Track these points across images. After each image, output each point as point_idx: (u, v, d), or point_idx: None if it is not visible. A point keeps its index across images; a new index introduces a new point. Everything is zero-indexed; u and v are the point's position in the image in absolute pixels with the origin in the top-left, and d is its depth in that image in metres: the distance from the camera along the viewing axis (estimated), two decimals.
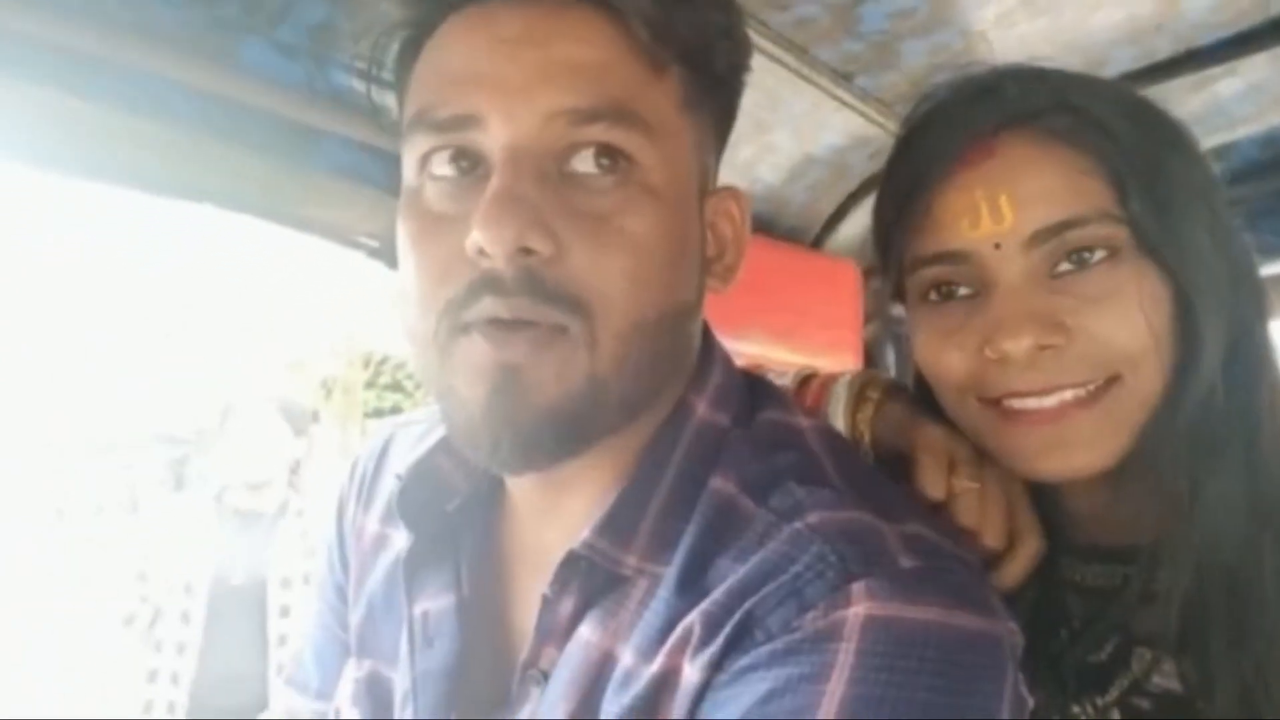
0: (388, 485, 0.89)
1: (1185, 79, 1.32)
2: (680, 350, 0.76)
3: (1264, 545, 0.77)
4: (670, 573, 0.68)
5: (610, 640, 0.69)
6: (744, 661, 0.61)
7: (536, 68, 0.66)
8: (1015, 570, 0.84)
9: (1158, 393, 0.80)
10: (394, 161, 1.12)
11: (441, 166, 0.69)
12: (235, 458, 3.09)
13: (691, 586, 0.67)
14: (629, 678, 0.66)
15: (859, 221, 1.75)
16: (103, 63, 0.88)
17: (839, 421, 0.96)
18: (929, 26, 1.24)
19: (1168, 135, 0.84)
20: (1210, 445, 0.79)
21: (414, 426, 0.96)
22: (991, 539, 0.84)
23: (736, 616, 0.62)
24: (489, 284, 0.64)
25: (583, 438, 0.69)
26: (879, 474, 0.77)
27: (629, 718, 0.64)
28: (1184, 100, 1.37)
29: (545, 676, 0.71)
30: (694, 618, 0.64)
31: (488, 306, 0.65)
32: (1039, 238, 0.79)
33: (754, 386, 0.82)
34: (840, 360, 1.72)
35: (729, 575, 0.65)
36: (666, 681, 0.64)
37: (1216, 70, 1.31)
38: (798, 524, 0.65)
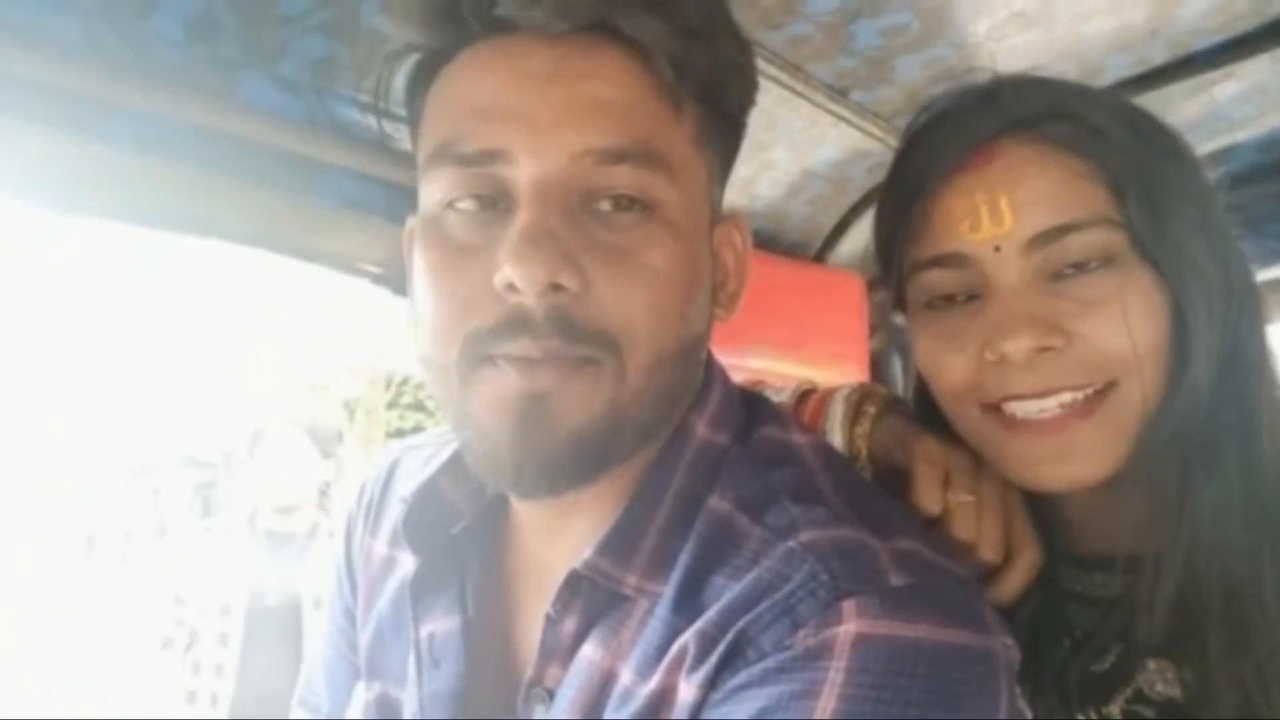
0: (395, 508, 0.90)
1: (1182, 84, 1.32)
2: (692, 378, 0.77)
3: (1263, 552, 0.77)
4: (668, 592, 0.69)
5: (612, 659, 0.70)
6: (737, 680, 0.61)
7: (565, 106, 0.67)
8: (1013, 583, 0.85)
9: (1155, 400, 0.80)
10: (395, 191, 1.15)
11: (465, 200, 0.69)
12: (265, 481, 3.13)
13: (688, 605, 0.67)
14: (627, 696, 0.67)
15: (861, 235, 1.76)
16: (104, 103, 0.90)
17: (836, 436, 0.96)
18: (922, 41, 1.25)
19: (1164, 143, 0.85)
20: (1205, 451, 0.79)
21: (421, 450, 0.97)
22: (989, 552, 0.84)
23: (730, 635, 0.62)
24: (522, 325, 0.65)
25: (602, 464, 0.70)
26: (875, 490, 0.78)
27: None
28: (1182, 105, 1.37)
29: (550, 695, 0.72)
30: (689, 637, 0.65)
31: (520, 348, 0.65)
32: (1039, 241, 0.79)
33: (752, 404, 0.83)
34: (846, 373, 1.73)
35: (724, 593, 0.65)
36: (663, 700, 0.65)
37: (1214, 74, 1.31)
38: (791, 542, 0.65)
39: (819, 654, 0.59)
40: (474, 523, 0.86)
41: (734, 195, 1.57)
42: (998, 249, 0.80)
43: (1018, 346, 0.78)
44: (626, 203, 0.68)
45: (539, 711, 0.73)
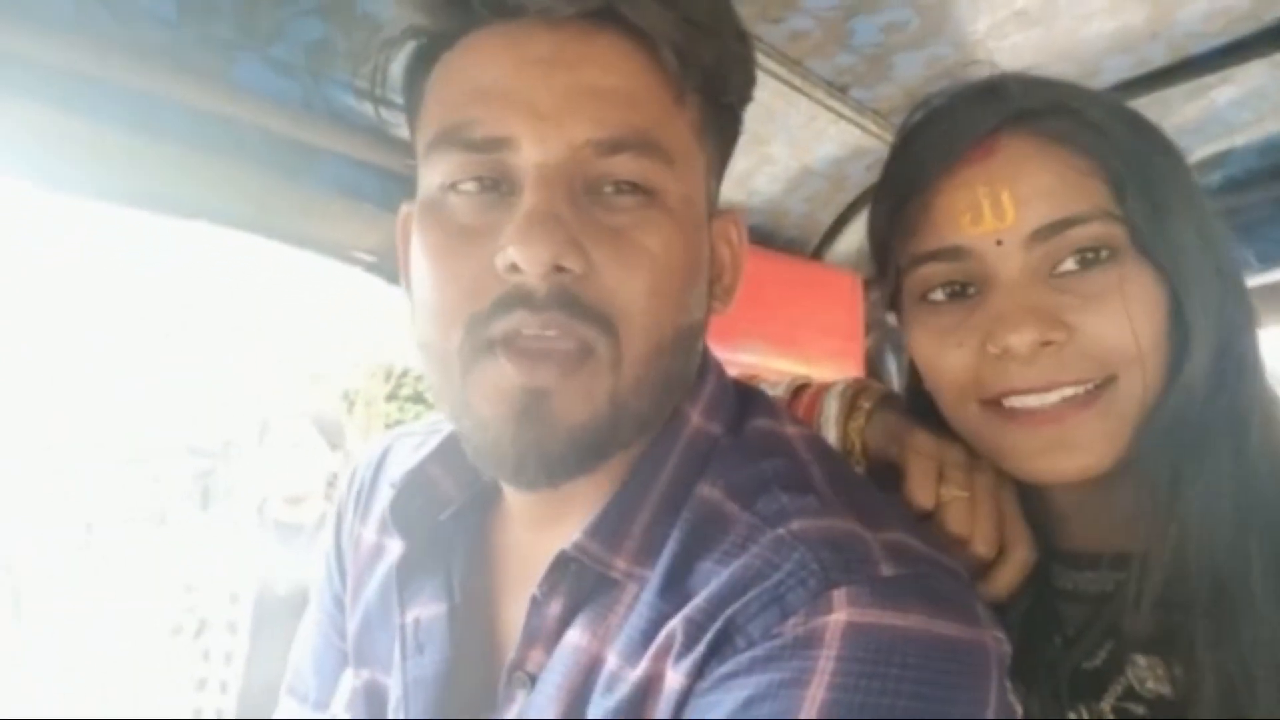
0: (384, 495, 0.90)
1: (1180, 87, 1.32)
2: (688, 369, 0.77)
3: (1251, 548, 0.77)
4: (654, 576, 0.69)
5: (599, 645, 0.70)
6: (725, 668, 0.61)
7: (566, 92, 0.67)
8: (1006, 579, 0.85)
9: (1153, 394, 0.80)
10: (390, 178, 1.15)
11: (467, 183, 0.70)
12: (275, 472, 3.17)
13: (674, 590, 0.67)
14: (614, 681, 0.67)
15: (858, 232, 1.76)
16: (98, 81, 0.90)
17: (831, 431, 0.96)
18: (922, 39, 1.24)
19: (1159, 141, 0.85)
20: (1196, 447, 0.79)
21: (411, 437, 0.97)
22: (981, 547, 0.84)
23: (718, 623, 0.62)
24: (521, 298, 0.65)
25: (601, 455, 0.71)
26: (866, 482, 0.78)
27: None
28: (1180, 108, 1.37)
29: (531, 679, 0.72)
30: (676, 623, 0.64)
31: (517, 320, 0.65)
32: (1040, 235, 0.79)
33: (745, 396, 0.83)
34: (842, 370, 1.73)
35: (711, 579, 0.65)
36: (650, 686, 0.65)
37: (1212, 78, 1.31)
38: (780, 530, 0.65)
39: (808, 643, 0.59)
40: (462, 509, 0.86)
41: (732, 190, 1.59)
42: (999, 243, 0.80)
43: (1021, 339, 0.78)
44: (628, 187, 0.69)
45: (520, 696, 0.72)
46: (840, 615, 0.59)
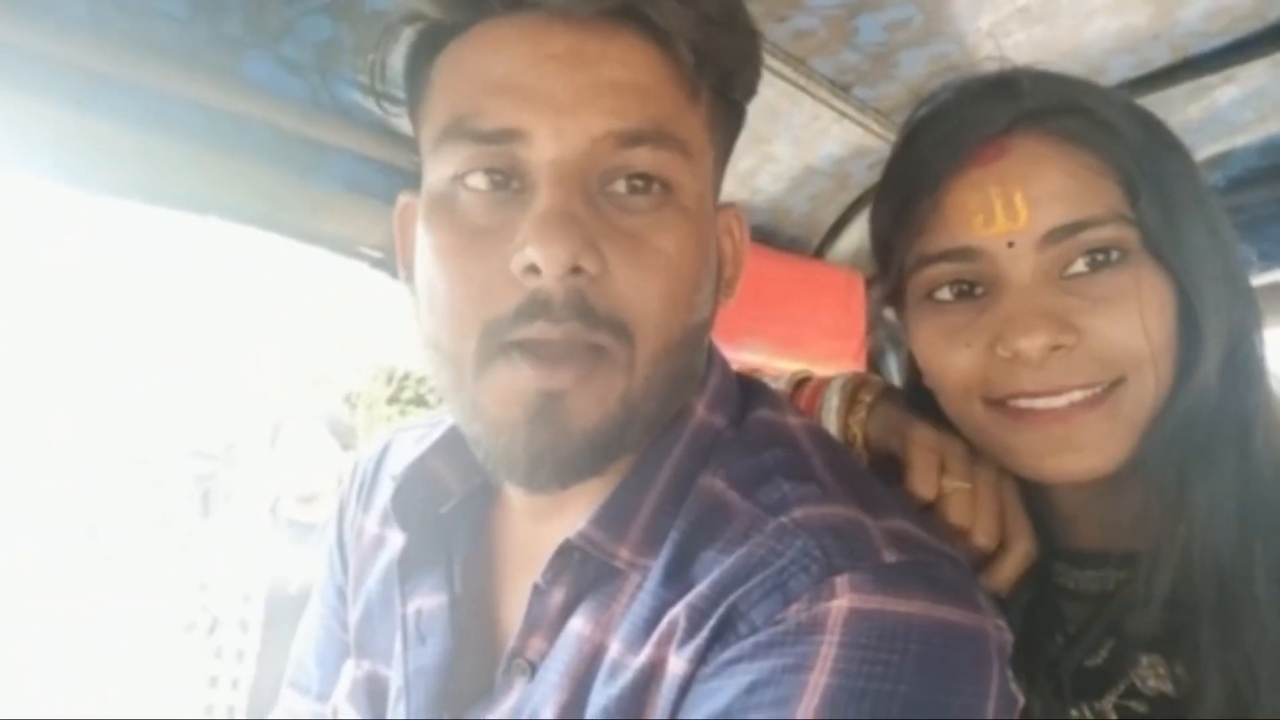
0: (386, 488, 0.90)
1: (1183, 87, 1.32)
2: (696, 365, 0.77)
3: (1255, 549, 0.77)
4: (657, 565, 0.70)
5: (601, 633, 0.70)
6: (728, 654, 0.61)
7: (585, 87, 0.67)
8: (1007, 571, 0.85)
9: (1161, 395, 0.80)
10: (396, 174, 1.16)
11: (477, 178, 0.69)
12: (287, 471, 3.20)
13: (678, 579, 0.68)
14: (616, 668, 0.67)
15: (860, 232, 1.76)
16: (107, 77, 0.91)
17: (832, 424, 0.97)
18: (925, 37, 1.25)
19: (1170, 140, 0.85)
20: (1203, 448, 0.79)
21: (413, 431, 0.98)
22: (982, 538, 0.84)
23: (721, 609, 0.62)
24: (541, 308, 0.65)
25: (610, 457, 0.71)
26: (868, 472, 0.78)
27: (616, 708, 0.65)
28: (1182, 108, 1.37)
29: (531, 667, 0.72)
30: (679, 610, 0.65)
31: (538, 331, 0.65)
32: (1053, 237, 0.79)
33: (748, 388, 0.83)
34: (843, 369, 1.73)
35: (714, 568, 0.65)
36: (653, 673, 0.65)
37: (1214, 78, 1.31)
38: (783, 518, 0.65)
39: (811, 628, 0.59)
40: (463, 501, 0.86)
41: (735, 188, 1.59)
42: (1011, 244, 0.80)
43: (1033, 344, 0.78)
44: (643, 183, 0.68)
45: (519, 684, 0.73)
46: (843, 601, 0.60)
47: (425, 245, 0.72)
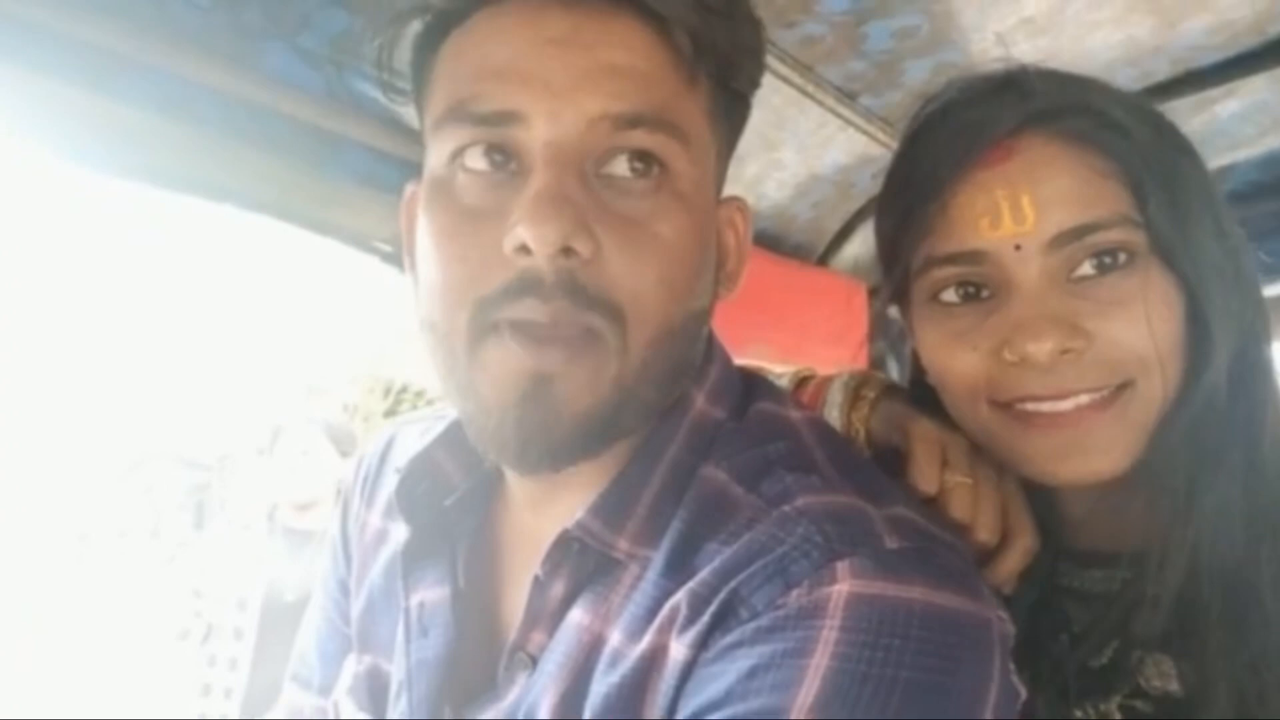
0: (390, 482, 0.90)
1: (1184, 100, 1.34)
2: (694, 354, 0.77)
3: (1262, 552, 0.77)
4: (659, 556, 0.69)
5: (601, 624, 0.70)
6: (729, 639, 0.61)
7: (582, 70, 0.67)
8: (1008, 566, 0.85)
9: (1168, 398, 0.80)
10: (409, 168, 1.17)
11: (475, 160, 0.69)
12: (285, 478, 3.18)
13: (679, 568, 0.67)
14: (617, 658, 0.67)
15: (864, 240, 1.77)
16: (128, 62, 0.92)
17: (835, 420, 0.97)
18: (931, 46, 1.26)
19: (1179, 142, 0.85)
20: (1211, 452, 0.79)
21: (416, 424, 0.98)
22: (984, 533, 0.84)
23: (722, 595, 0.62)
24: (530, 286, 0.65)
25: (604, 441, 0.70)
26: (870, 463, 0.78)
27: (618, 696, 0.65)
28: (1184, 122, 1.36)
29: (533, 660, 0.72)
30: (680, 596, 0.65)
31: (526, 308, 0.65)
32: (1060, 240, 0.78)
33: (750, 381, 0.83)
34: None
35: (716, 557, 0.65)
36: (654, 660, 0.65)
37: (1215, 92, 1.33)
38: (785, 508, 0.65)
39: (812, 613, 0.59)
40: (466, 494, 0.86)
41: (741, 194, 1.58)
42: (1018, 247, 0.79)
43: (1041, 348, 0.77)
44: (641, 165, 0.69)
45: (521, 678, 0.72)
46: (844, 586, 0.59)
47: (423, 227, 0.72)
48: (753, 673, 0.59)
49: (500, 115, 0.67)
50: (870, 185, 1.67)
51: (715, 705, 0.59)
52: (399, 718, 0.80)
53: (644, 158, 0.69)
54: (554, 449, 0.68)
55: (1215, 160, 1.47)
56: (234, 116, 1.01)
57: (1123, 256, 0.79)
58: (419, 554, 0.84)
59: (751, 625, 0.61)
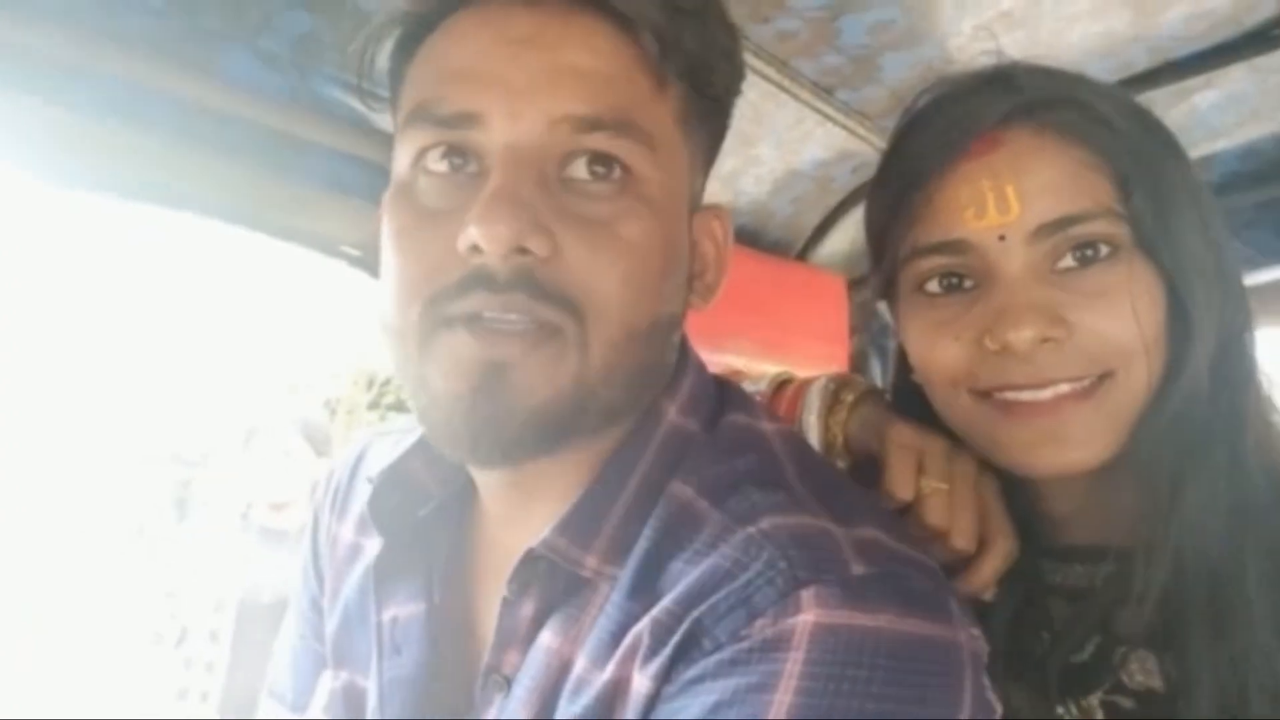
0: (362, 494, 0.88)
1: (1163, 90, 1.33)
2: (663, 362, 0.76)
3: (1245, 546, 0.77)
4: (624, 576, 0.68)
5: (570, 647, 0.68)
6: (692, 672, 0.60)
7: (543, 71, 0.66)
8: (986, 572, 0.84)
9: (1149, 390, 0.80)
10: (377, 172, 1.14)
11: (437, 162, 0.69)
12: (259, 478, 3.17)
13: (644, 590, 0.66)
14: (581, 685, 0.66)
15: (844, 235, 1.76)
16: (82, 70, 0.89)
17: (813, 425, 0.96)
18: (908, 40, 1.25)
19: (1164, 137, 0.85)
20: (1195, 445, 0.79)
21: (389, 436, 0.96)
22: (960, 540, 0.83)
23: (685, 625, 0.61)
24: (480, 279, 0.64)
25: (562, 439, 0.69)
26: (841, 478, 0.77)
27: None
28: (1163, 112, 1.36)
29: (508, 682, 0.71)
30: (644, 625, 0.63)
31: (478, 301, 0.64)
32: (1043, 231, 0.79)
33: (723, 391, 0.82)
34: (826, 372, 1.73)
35: (681, 579, 0.64)
36: (617, 690, 0.64)
37: (1194, 82, 1.32)
38: (750, 529, 0.64)
39: (776, 645, 0.58)
40: (441, 506, 0.85)
41: (719, 191, 1.59)
42: (1002, 238, 0.80)
43: (1021, 337, 0.78)
44: (603, 168, 0.67)
45: (497, 699, 0.71)
46: (808, 616, 0.58)
47: (385, 229, 0.72)
48: (716, 708, 0.58)
49: (460, 116, 0.67)
50: (850, 180, 1.66)
51: None
52: None
53: (604, 161, 0.68)
54: (507, 442, 0.66)
55: (1195, 151, 1.46)
56: (193, 123, 0.98)
57: (1105, 249, 0.79)
58: (392, 568, 0.82)
59: (715, 658, 0.60)
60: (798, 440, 0.79)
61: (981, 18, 1.20)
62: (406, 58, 0.74)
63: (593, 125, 0.66)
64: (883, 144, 0.94)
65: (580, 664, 0.67)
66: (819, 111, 1.41)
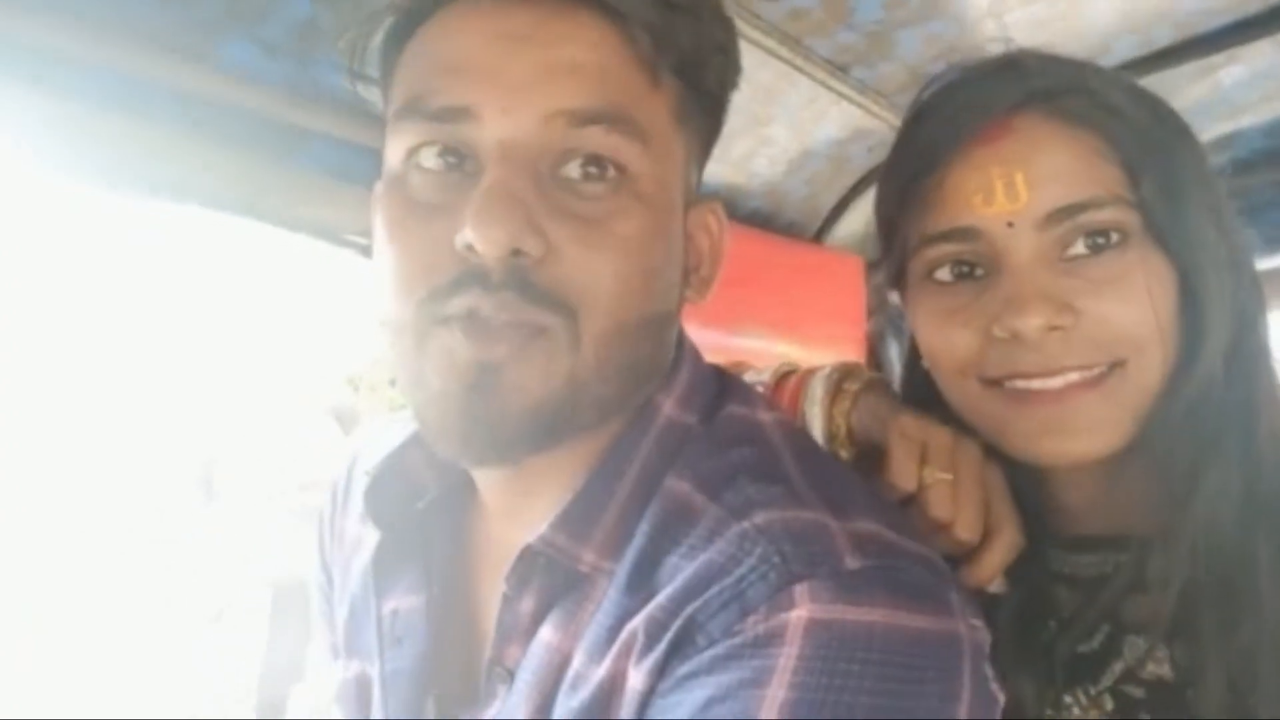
0: (362, 485, 0.88)
1: (1187, 67, 1.30)
2: (658, 357, 0.76)
3: (1258, 535, 0.76)
4: (620, 570, 0.68)
5: (569, 642, 0.68)
6: (686, 668, 0.60)
7: (537, 66, 0.66)
8: (991, 563, 0.83)
9: (1160, 380, 0.80)
10: (380, 159, 1.13)
11: (430, 159, 0.68)
12: (290, 458, 3.21)
13: (640, 585, 0.66)
14: (579, 680, 0.66)
15: (860, 215, 1.74)
16: (82, 61, 0.89)
17: (816, 415, 0.95)
18: (923, 15, 1.23)
19: (1176, 124, 0.84)
20: (1210, 435, 0.79)
21: (391, 429, 0.96)
22: (964, 531, 0.82)
23: (679, 621, 0.61)
24: (475, 277, 0.64)
25: (555, 436, 0.69)
26: (841, 469, 0.76)
27: None
28: (1186, 89, 1.35)
29: (510, 674, 0.71)
30: (639, 621, 0.63)
31: (472, 300, 0.64)
32: (1053, 219, 0.78)
33: (722, 382, 0.81)
34: (843, 355, 1.71)
35: (676, 574, 0.64)
36: (613, 687, 0.64)
37: (1219, 58, 1.29)
38: (745, 523, 0.64)
39: (769, 640, 0.58)
40: (440, 498, 0.85)
41: (732, 173, 1.57)
42: (1011, 225, 0.79)
43: (1029, 324, 0.77)
44: (596, 169, 0.67)
45: (501, 691, 0.71)
46: (801, 611, 0.58)
47: (378, 223, 0.72)
48: (709, 704, 0.57)
49: (453, 111, 0.66)
50: (866, 159, 1.64)
51: None
52: None
53: (598, 162, 0.67)
54: (500, 441, 0.67)
55: (1219, 128, 1.44)
56: (194, 112, 0.98)
57: (1115, 236, 0.79)
58: (391, 559, 0.83)
59: (708, 654, 0.59)
60: (797, 431, 0.79)
61: None
62: (398, 48, 0.74)
63: (587, 120, 0.66)
64: (899, 121, 0.93)
65: (578, 659, 0.67)
66: (833, 90, 1.39)
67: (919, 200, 0.84)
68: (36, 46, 0.86)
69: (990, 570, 0.83)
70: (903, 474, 0.84)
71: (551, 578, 0.71)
